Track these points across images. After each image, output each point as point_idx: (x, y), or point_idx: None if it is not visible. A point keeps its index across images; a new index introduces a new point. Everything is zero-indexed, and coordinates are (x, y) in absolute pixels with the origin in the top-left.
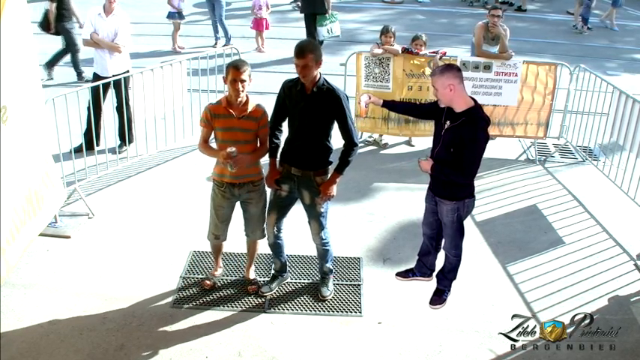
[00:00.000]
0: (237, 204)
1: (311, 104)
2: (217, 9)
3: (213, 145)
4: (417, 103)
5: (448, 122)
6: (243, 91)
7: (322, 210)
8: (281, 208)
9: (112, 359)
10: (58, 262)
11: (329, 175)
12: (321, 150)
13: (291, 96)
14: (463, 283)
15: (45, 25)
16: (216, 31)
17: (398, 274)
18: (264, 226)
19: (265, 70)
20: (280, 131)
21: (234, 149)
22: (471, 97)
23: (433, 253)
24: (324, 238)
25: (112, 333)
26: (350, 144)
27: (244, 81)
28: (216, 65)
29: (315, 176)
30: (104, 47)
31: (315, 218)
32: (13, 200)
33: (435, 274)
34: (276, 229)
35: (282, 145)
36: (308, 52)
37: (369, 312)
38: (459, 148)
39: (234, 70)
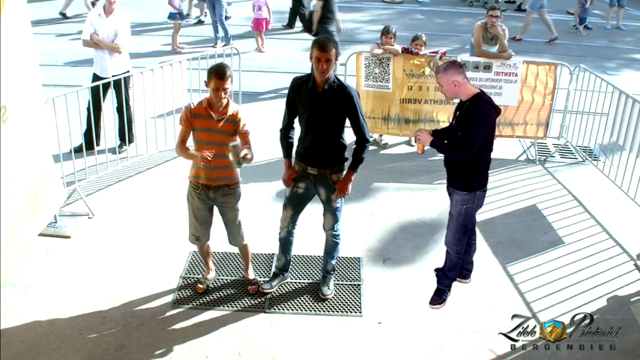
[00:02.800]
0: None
1: (323, 102)
2: (217, 9)
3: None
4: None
5: (458, 112)
6: (224, 98)
7: (338, 205)
8: (297, 204)
9: (112, 359)
10: (58, 262)
11: (344, 172)
12: (335, 148)
13: (301, 94)
14: (463, 283)
15: (308, 26)
16: (216, 31)
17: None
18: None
19: (265, 70)
20: (293, 129)
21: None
22: (478, 88)
23: (466, 249)
24: (336, 230)
25: (112, 333)
26: (362, 140)
27: (226, 89)
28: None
29: (331, 174)
30: (104, 48)
31: (331, 212)
32: (12, 201)
33: (471, 274)
34: (290, 224)
35: (295, 143)
36: (333, 46)
37: (369, 312)
38: (464, 127)
39: (217, 79)
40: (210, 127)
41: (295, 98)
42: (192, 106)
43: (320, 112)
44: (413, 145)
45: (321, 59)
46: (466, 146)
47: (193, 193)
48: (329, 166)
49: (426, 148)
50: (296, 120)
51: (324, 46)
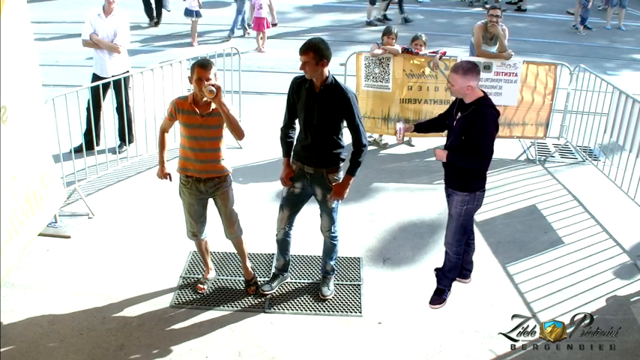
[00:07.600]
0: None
1: (320, 102)
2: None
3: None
4: (437, 116)
5: (459, 113)
6: None
7: (334, 206)
8: (294, 205)
9: (112, 359)
10: (58, 262)
11: (341, 173)
12: (332, 148)
13: (300, 93)
14: (463, 283)
15: None
16: (234, 24)
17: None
18: (239, 222)
19: (265, 70)
20: (294, 129)
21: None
22: (481, 90)
23: (466, 249)
24: (333, 232)
25: (112, 333)
26: (358, 144)
27: (210, 80)
28: (216, 65)
29: (328, 174)
30: (104, 48)
31: (327, 213)
32: (12, 201)
33: (470, 274)
34: (287, 225)
35: (294, 143)
36: (310, 50)
37: (369, 312)
38: (470, 133)
39: (200, 69)
40: (193, 122)
41: (294, 98)
42: (177, 100)
43: (317, 112)
44: (413, 146)
45: (301, 61)
46: (484, 153)
47: (184, 189)
48: (325, 166)
49: (406, 139)
50: (296, 119)
51: (301, 50)
